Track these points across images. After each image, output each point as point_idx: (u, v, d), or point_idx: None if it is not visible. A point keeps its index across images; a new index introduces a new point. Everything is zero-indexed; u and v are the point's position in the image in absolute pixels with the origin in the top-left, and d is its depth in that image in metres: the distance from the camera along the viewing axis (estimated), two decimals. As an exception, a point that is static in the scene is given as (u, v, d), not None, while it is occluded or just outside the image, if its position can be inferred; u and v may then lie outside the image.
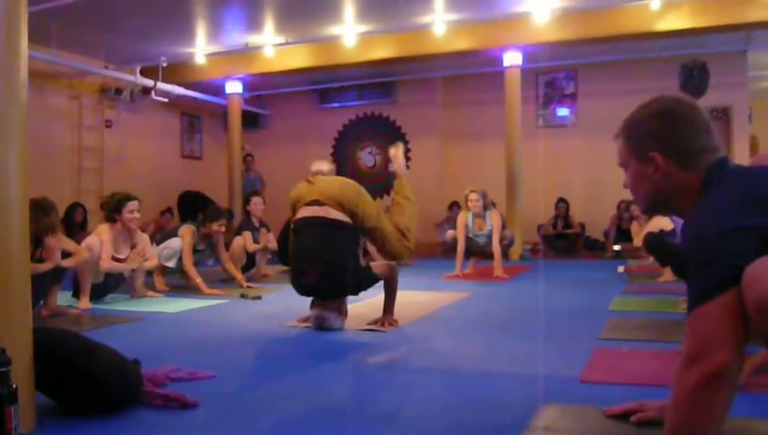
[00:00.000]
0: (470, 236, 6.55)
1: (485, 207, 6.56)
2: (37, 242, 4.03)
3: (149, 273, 5.50)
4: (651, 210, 1.70)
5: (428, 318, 4.09)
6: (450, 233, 6.78)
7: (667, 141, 1.54)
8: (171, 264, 5.56)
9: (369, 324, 3.71)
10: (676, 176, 1.53)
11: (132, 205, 4.89)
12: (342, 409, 2.19)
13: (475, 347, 3.26)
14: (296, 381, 2.59)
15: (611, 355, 2.84)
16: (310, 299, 3.65)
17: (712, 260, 1.32)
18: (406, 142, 11.03)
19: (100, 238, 4.75)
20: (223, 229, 5.77)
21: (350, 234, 3.53)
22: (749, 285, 1.25)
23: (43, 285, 4.03)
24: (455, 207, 9.70)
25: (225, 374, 2.62)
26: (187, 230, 5.65)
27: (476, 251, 6.69)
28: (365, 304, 4.59)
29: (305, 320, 3.81)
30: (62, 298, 4.58)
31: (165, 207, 10.00)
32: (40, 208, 3.88)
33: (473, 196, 6.46)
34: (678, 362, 1.35)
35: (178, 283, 5.77)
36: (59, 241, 4.19)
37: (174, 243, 5.60)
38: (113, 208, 4.87)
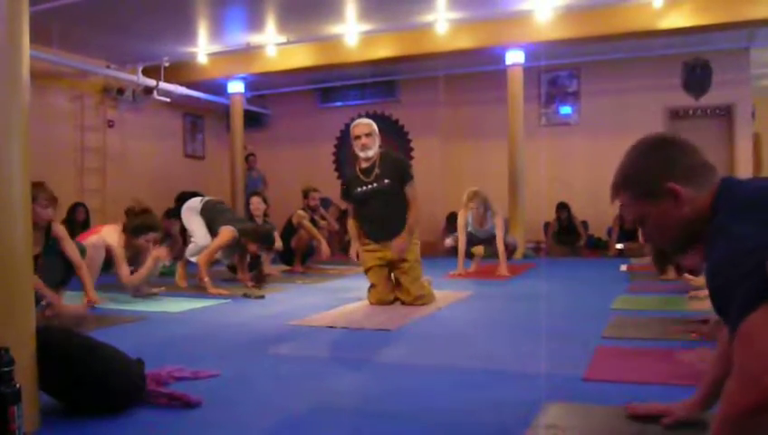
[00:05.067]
0: (470, 231, 6.56)
1: (486, 209, 6.55)
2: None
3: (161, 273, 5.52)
4: (687, 247, 1.58)
5: (432, 317, 4.09)
6: (448, 242, 6.81)
7: (676, 168, 1.50)
8: (196, 259, 5.53)
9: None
10: (697, 200, 1.48)
11: (152, 237, 4.94)
12: (345, 407, 2.19)
13: (478, 345, 3.26)
14: (299, 379, 2.59)
15: (614, 354, 2.84)
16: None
17: (748, 274, 1.25)
18: (408, 141, 11.04)
19: (105, 240, 4.73)
20: (255, 249, 5.68)
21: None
22: None
23: (51, 281, 4.04)
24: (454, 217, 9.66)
25: (228, 373, 2.62)
26: (228, 232, 5.48)
27: (477, 244, 6.69)
28: (363, 304, 4.60)
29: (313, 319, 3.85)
30: (69, 298, 4.57)
31: (169, 209, 9.78)
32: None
33: (472, 204, 6.43)
34: (732, 376, 1.28)
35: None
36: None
37: (200, 240, 5.59)
38: (133, 229, 4.86)
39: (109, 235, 4.84)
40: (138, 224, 4.89)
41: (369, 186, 4.60)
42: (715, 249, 1.37)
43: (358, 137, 4.59)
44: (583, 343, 3.03)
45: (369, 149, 4.58)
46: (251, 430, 1.97)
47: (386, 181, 4.57)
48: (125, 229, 4.90)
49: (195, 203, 5.87)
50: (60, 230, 4.19)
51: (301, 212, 7.32)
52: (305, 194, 7.63)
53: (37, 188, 3.96)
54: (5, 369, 1.68)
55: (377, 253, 4.61)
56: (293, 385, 2.51)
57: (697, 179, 1.49)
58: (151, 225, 4.96)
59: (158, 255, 4.92)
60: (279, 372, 2.72)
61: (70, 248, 4.22)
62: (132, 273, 5.17)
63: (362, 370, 2.77)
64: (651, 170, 1.53)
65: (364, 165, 4.64)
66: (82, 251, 4.41)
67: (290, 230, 7.29)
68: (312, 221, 7.38)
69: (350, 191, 4.72)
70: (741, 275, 1.27)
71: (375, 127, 4.66)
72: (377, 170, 4.59)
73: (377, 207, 4.59)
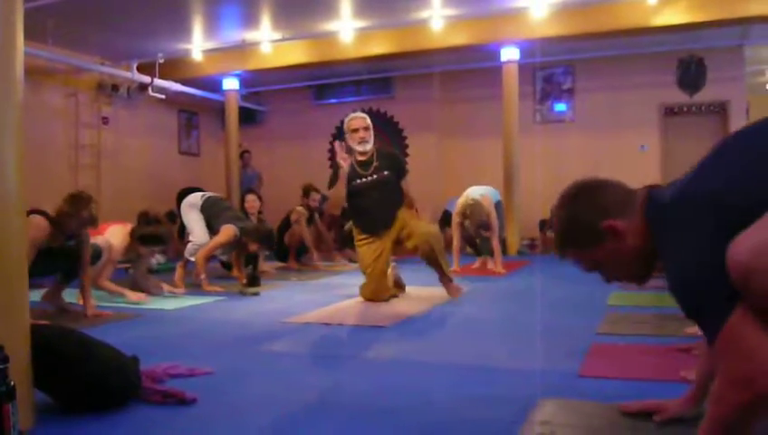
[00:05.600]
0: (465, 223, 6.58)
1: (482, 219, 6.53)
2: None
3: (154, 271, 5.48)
4: (649, 270, 1.61)
5: (427, 313, 4.10)
6: (450, 232, 6.85)
7: (602, 206, 1.54)
8: (194, 258, 5.49)
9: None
10: (633, 226, 1.51)
11: (158, 248, 4.97)
12: (340, 404, 2.19)
13: (473, 342, 3.27)
14: (294, 376, 2.59)
15: (609, 350, 2.85)
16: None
17: (709, 272, 1.30)
18: (404, 138, 11.03)
19: (108, 242, 4.68)
20: (255, 249, 5.61)
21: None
22: (733, 265, 1.24)
23: (48, 267, 4.02)
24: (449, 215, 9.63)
25: (223, 370, 2.62)
26: (230, 231, 5.42)
27: (469, 233, 6.70)
28: (358, 301, 4.60)
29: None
30: (69, 296, 4.54)
31: (170, 211, 9.31)
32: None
33: (467, 222, 6.41)
34: (720, 379, 1.33)
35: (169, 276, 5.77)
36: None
37: (198, 238, 5.55)
38: (141, 237, 4.80)
39: (113, 235, 4.75)
40: (148, 233, 4.84)
41: (369, 177, 4.62)
42: (667, 262, 1.42)
43: (355, 130, 4.63)
44: (579, 340, 3.04)
45: (367, 142, 4.63)
46: (246, 426, 1.97)
47: (386, 173, 4.62)
48: (133, 233, 4.83)
49: (195, 199, 5.83)
50: (85, 234, 4.10)
51: (300, 209, 7.31)
52: (306, 193, 7.61)
53: (84, 204, 3.90)
54: (0, 367, 1.68)
55: (373, 245, 4.62)
56: (288, 382, 2.51)
57: (626, 209, 1.52)
58: (161, 238, 4.93)
59: (137, 299, 4.63)
60: (274, 369, 2.72)
61: (86, 255, 4.16)
62: (128, 271, 5.16)
63: (357, 366, 2.77)
64: (583, 219, 1.56)
65: (360, 158, 4.65)
66: (98, 254, 4.36)
67: (286, 225, 7.28)
68: (310, 220, 7.40)
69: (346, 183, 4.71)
70: (702, 279, 1.31)
71: (370, 121, 4.72)
72: (375, 163, 4.63)
73: (377, 198, 4.61)
